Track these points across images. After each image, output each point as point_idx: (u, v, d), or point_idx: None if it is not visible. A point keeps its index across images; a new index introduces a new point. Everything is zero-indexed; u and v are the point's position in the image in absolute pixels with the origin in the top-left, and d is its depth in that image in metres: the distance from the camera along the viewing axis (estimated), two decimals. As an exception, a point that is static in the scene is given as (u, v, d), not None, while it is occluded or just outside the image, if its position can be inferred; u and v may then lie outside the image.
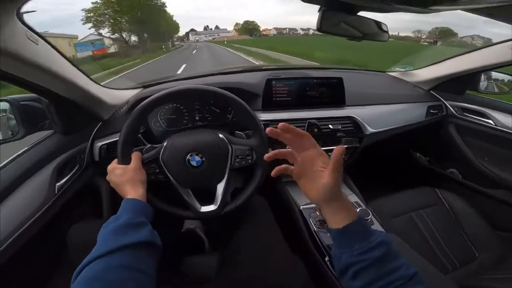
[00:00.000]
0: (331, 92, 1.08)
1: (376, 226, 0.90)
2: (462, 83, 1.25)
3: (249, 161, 0.77)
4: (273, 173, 0.50)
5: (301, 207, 0.99)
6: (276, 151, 0.49)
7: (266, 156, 0.50)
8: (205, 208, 0.75)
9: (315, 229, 0.89)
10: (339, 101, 1.09)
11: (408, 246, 0.79)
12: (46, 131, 0.83)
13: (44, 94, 0.71)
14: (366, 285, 0.40)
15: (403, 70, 1.42)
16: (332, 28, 0.49)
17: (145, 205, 0.59)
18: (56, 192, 0.74)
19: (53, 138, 0.82)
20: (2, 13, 0.44)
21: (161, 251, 0.54)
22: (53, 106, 0.75)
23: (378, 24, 0.58)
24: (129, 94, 1.03)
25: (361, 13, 0.52)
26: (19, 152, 0.75)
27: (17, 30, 0.50)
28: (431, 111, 1.27)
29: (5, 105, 0.78)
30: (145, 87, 1.11)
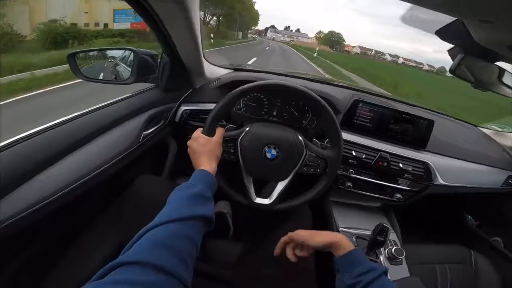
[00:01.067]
0: (416, 132, 1.02)
1: (403, 267, 0.88)
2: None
3: (318, 170, 0.79)
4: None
5: (340, 228, 0.99)
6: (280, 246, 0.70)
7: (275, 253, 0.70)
8: (259, 200, 0.78)
9: None
10: (420, 144, 1.04)
11: None
12: (148, 84, 0.94)
13: (172, 53, 0.80)
14: None
15: (500, 129, 1.28)
16: (466, 73, 0.47)
17: (215, 182, 0.61)
18: (141, 140, 0.83)
19: (153, 91, 0.93)
20: None
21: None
22: (169, 64, 0.85)
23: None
24: (220, 72, 1.11)
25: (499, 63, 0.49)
26: (123, 96, 0.86)
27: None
28: (509, 181, 1.15)
29: (118, 53, 0.95)
30: (235, 69, 1.19)
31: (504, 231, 1.23)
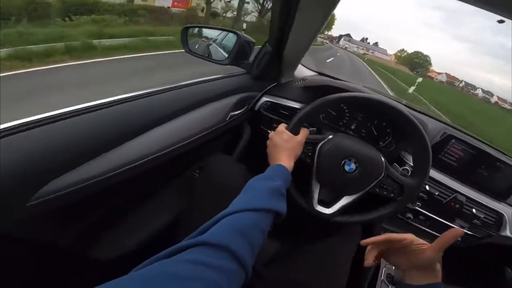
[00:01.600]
0: (503, 182, 0.92)
1: None
2: None
3: (391, 195, 0.76)
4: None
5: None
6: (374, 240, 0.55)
7: (363, 242, 0.57)
8: (320, 208, 0.77)
9: (383, 278, 0.84)
10: (501, 194, 0.94)
11: None
12: (242, 69, 0.99)
13: (277, 43, 0.83)
14: None
15: None
16: None
17: (290, 181, 0.62)
18: (227, 119, 0.88)
19: (245, 77, 0.97)
20: None
21: None
22: (269, 54, 0.88)
23: None
24: (306, 73, 1.13)
25: None
26: (217, 76, 0.92)
27: None
28: None
29: (214, 34, 1.04)
30: (319, 73, 1.19)
31: None
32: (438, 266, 0.50)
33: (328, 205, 0.78)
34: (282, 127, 0.73)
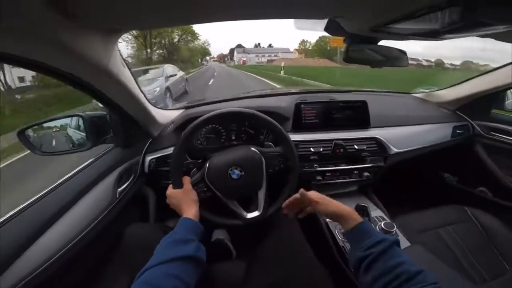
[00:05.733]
0: (356, 115, 1.15)
1: (402, 239, 0.92)
2: (488, 102, 1.27)
3: (281, 166, 0.87)
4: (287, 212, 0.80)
5: (327, 219, 1.04)
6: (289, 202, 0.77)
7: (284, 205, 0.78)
8: (251, 215, 0.84)
9: (341, 238, 0.94)
10: (364, 123, 1.16)
11: (434, 257, 0.82)
12: (107, 144, 0.97)
13: (118, 111, 0.85)
14: (376, 278, 0.49)
15: (427, 91, 1.46)
16: (358, 56, 0.58)
17: (195, 224, 0.68)
18: (117, 196, 0.87)
19: (114, 151, 0.96)
20: (110, 42, 0.61)
21: (205, 265, 0.62)
22: (121, 123, 0.90)
23: (398, 50, 0.67)
24: (174, 114, 1.18)
25: (382, 43, 0.61)
26: (88, 162, 0.89)
27: (117, 56, 0.66)
28: (457, 131, 1.29)
29: (67, 120, 0.94)
30: (187, 107, 1.26)
31: (484, 180, 1.32)
32: (346, 211, 0.64)
33: (256, 207, 0.85)
34: (169, 189, 0.79)
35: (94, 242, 0.77)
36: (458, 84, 1.34)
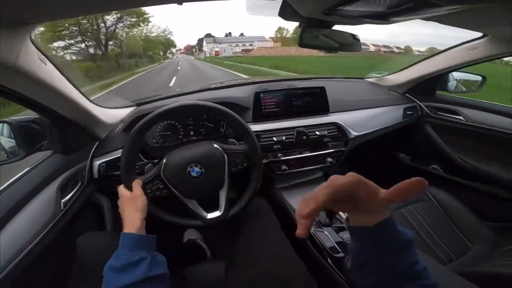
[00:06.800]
0: (316, 101, 1.16)
1: None
2: (433, 85, 1.37)
3: (245, 164, 0.84)
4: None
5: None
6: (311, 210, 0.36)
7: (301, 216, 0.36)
8: (211, 215, 0.80)
9: (312, 229, 0.93)
10: (323, 109, 1.18)
11: None
12: (45, 151, 0.84)
13: (47, 113, 0.74)
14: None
15: (379, 75, 1.53)
16: (312, 42, 0.56)
17: (140, 238, 0.61)
18: (62, 208, 0.77)
19: (53, 158, 0.84)
20: (17, 36, 0.50)
21: (167, 276, 0.57)
22: (55, 126, 0.78)
23: (352, 35, 0.66)
24: (123, 113, 1.07)
25: (336, 27, 0.60)
26: (21, 173, 0.77)
27: (30, 51, 0.55)
28: (407, 112, 1.38)
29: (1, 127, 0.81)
30: (138, 105, 1.15)
31: (436, 158, 1.42)
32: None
33: (216, 208, 0.81)
34: (121, 189, 0.72)
35: (46, 256, 0.69)
36: (405, 68, 1.43)
